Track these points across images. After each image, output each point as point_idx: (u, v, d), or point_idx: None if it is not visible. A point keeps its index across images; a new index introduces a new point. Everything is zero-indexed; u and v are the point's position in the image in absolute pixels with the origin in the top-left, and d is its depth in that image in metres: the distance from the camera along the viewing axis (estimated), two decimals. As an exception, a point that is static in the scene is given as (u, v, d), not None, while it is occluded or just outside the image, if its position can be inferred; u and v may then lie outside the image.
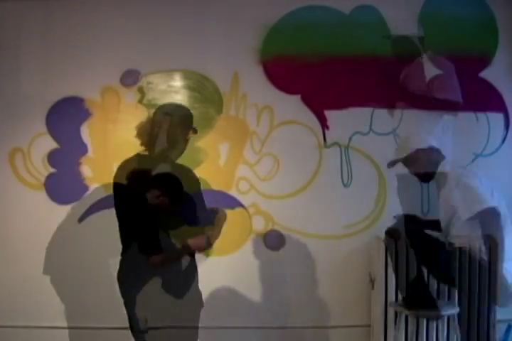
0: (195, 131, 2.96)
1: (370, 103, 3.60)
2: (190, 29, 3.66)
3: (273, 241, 3.67)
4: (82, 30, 3.68)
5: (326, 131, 3.65)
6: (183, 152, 2.92)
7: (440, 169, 3.20)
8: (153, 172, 2.85)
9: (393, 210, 3.58)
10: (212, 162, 3.66)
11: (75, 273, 3.68)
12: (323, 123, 3.64)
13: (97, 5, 3.68)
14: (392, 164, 3.33)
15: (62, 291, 3.69)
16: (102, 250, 3.67)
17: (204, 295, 3.62)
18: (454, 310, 3.21)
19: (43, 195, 3.68)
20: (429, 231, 3.18)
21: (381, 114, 3.63)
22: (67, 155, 3.68)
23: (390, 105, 3.62)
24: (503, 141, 3.64)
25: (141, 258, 2.79)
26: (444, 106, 3.58)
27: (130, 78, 3.66)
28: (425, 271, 3.17)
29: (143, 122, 2.94)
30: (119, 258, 3.62)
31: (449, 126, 3.57)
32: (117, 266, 3.62)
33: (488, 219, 3.06)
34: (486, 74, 3.60)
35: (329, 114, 3.64)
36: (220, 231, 2.84)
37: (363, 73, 3.61)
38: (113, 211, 3.62)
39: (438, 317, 3.27)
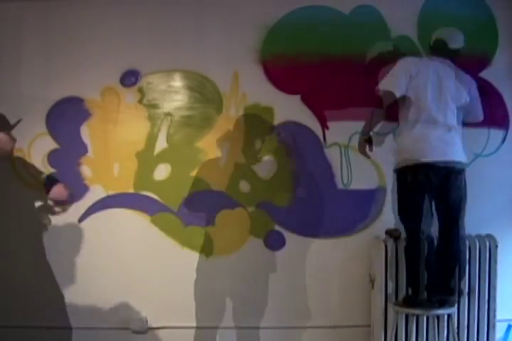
0: None
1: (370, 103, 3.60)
2: (190, 29, 3.66)
3: (273, 241, 3.67)
4: (82, 30, 3.69)
5: (326, 131, 3.65)
6: None
7: None
8: None
9: (393, 210, 3.58)
10: (212, 162, 3.66)
11: (75, 273, 3.68)
12: (323, 123, 3.64)
13: (96, 5, 3.68)
14: None
15: (62, 291, 3.69)
16: (102, 250, 3.67)
17: (204, 295, 3.66)
18: (453, 310, 3.21)
19: (42, 195, 3.68)
20: None
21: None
22: (67, 155, 3.68)
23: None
24: (503, 141, 3.64)
25: None
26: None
27: (130, 78, 3.66)
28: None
29: None
30: (118, 258, 3.65)
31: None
32: (117, 267, 3.65)
33: None
34: (486, 74, 3.60)
35: (329, 114, 3.64)
36: None
37: (362, 73, 3.60)
38: (113, 211, 3.67)
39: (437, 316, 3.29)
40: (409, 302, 3.15)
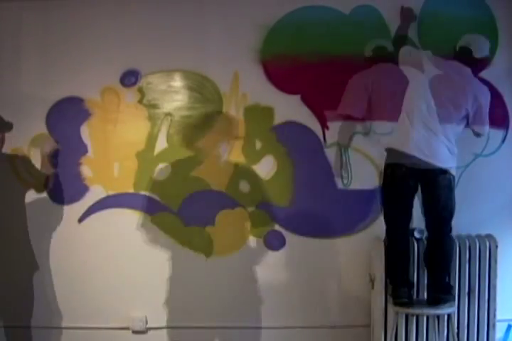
0: None
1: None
2: (190, 29, 3.65)
3: (273, 241, 3.67)
4: (82, 30, 3.68)
5: (326, 131, 3.64)
6: None
7: None
8: None
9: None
10: (212, 162, 3.66)
11: (74, 273, 3.68)
12: (323, 123, 3.64)
13: (96, 5, 3.67)
14: None
15: (62, 291, 3.69)
16: (101, 250, 3.67)
17: (204, 295, 3.66)
18: (453, 310, 3.22)
19: (42, 195, 3.68)
20: None
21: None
22: (67, 155, 3.68)
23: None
24: (503, 141, 3.63)
25: None
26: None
27: (130, 78, 3.66)
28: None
29: None
30: (118, 258, 3.65)
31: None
32: (117, 267, 3.65)
33: None
34: (486, 74, 3.59)
35: (329, 114, 3.63)
36: None
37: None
38: (113, 211, 3.67)
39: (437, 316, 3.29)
40: (395, 296, 3.19)
